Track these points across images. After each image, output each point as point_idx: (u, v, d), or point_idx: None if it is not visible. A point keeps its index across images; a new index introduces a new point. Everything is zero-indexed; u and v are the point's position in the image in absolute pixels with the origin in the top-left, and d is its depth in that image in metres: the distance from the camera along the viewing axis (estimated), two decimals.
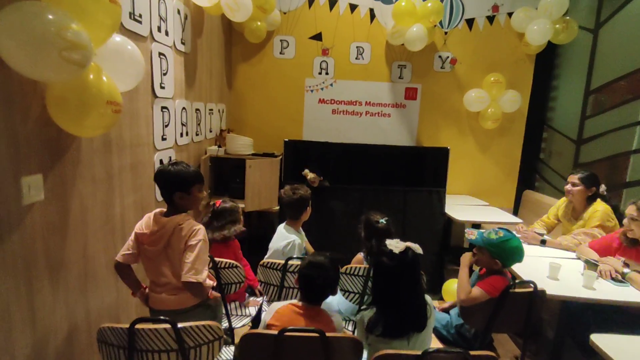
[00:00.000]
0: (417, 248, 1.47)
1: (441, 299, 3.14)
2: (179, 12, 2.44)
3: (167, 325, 1.28)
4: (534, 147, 4.11)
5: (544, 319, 2.55)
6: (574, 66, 3.68)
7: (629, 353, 1.43)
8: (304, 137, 4.01)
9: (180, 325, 1.30)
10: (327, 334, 1.28)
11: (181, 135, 2.60)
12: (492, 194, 4.03)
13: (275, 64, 3.88)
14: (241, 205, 3.09)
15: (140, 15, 1.93)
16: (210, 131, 3.31)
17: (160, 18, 2.18)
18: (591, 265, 2.07)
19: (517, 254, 1.76)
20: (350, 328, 2.07)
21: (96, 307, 1.69)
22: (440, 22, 3.77)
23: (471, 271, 1.96)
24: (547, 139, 4.05)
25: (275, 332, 1.26)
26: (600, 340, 1.49)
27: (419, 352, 1.21)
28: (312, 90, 3.94)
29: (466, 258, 1.91)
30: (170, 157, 2.43)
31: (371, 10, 3.77)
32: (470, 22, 3.81)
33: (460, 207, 3.54)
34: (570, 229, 2.67)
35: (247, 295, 2.26)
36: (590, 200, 2.60)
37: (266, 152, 3.35)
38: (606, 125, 3.23)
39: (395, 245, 1.46)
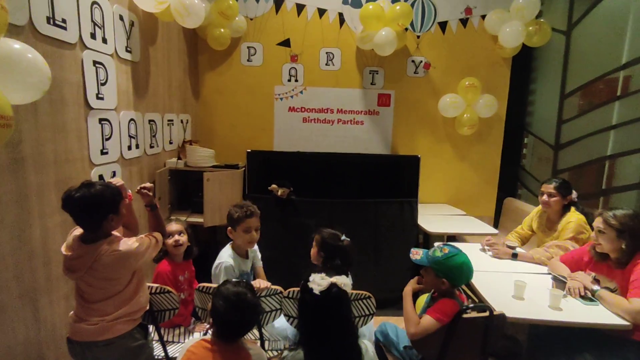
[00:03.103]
0: (343, 284, 1.33)
1: None
2: (121, 18, 2.30)
3: None
4: (514, 153, 3.97)
5: (518, 340, 2.38)
6: (549, 69, 3.56)
7: None
8: (274, 147, 3.86)
9: None
10: None
11: (129, 148, 2.45)
12: (472, 202, 3.87)
13: (243, 72, 3.75)
14: (199, 221, 2.95)
15: (63, 21, 1.78)
16: (171, 143, 3.16)
17: (95, 24, 2.04)
18: (559, 282, 1.91)
19: (464, 271, 1.60)
20: None
21: (5, 344, 1.52)
22: (412, 26, 3.65)
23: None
24: (528, 145, 3.92)
25: None
26: None
27: None
28: (281, 98, 3.80)
29: (408, 288, 1.74)
30: (114, 172, 2.28)
31: (340, 14, 3.65)
32: (443, 25, 3.70)
33: (435, 217, 3.39)
34: (544, 241, 2.51)
35: (192, 319, 2.08)
36: (565, 209, 2.46)
37: (230, 163, 3.20)
38: (582, 129, 3.10)
39: (318, 282, 1.32)
